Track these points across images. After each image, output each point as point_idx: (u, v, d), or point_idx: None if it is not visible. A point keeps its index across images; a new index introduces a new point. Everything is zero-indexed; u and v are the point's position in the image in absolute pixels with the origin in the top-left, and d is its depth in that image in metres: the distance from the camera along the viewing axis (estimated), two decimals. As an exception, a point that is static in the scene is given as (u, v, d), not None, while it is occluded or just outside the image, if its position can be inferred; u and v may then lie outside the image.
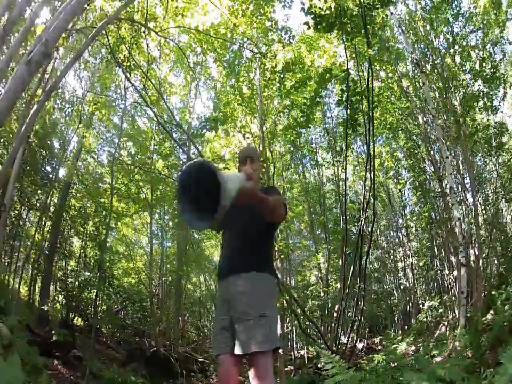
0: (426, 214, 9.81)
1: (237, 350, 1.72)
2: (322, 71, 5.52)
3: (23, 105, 6.16)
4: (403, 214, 13.14)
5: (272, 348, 1.71)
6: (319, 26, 4.72)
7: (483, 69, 7.16)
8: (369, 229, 7.14)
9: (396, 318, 13.20)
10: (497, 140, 7.76)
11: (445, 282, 9.97)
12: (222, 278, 1.94)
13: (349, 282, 5.93)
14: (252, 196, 1.56)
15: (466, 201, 8.28)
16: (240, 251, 1.92)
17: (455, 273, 7.61)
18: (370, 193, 5.38)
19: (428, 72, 7.78)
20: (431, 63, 7.93)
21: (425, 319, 9.31)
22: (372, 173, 5.20)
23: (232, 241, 2.00)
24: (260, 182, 2.26)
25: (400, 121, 9.52)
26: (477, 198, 8.21)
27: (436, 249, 10.80)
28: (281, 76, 6.22)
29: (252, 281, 1.82)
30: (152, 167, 8.84)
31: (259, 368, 1.68)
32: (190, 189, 1.15)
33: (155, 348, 7.75)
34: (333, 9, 4.61)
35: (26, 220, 9.26)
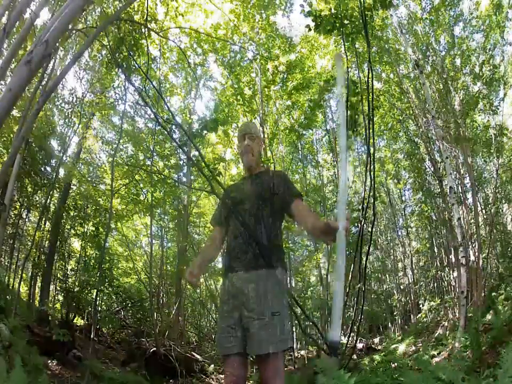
0: (426, 214, 9.82)
1: (249, 351, 1.62)
2: (326, 78, 5.52)
3: (23, 105, 6.15)
4: (403, 214, 13.14)
5: (285, 348, 1.60)
6: (319, 28, 4.71)
7: (483, 71, 7.17)
8: (369, 229, 7.13)
9: (396, 318, 13.20)
10: (497, 141, 7.75)
11: (445, 282, 9.97)
12: (230, 271, 1.77)
13: (349, 282, 5.92)
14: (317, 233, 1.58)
15: (466, 201, 8.28)
16: (253, 243, 1.73)
17: (455, 273, 7.62)
18: (371, 194, 5.37)
19: (428, 73, 7.78)
20: (430, 64, 7.93)
21: (425, 319, 9.32)
22: (372, 173, 5.18)
23: (242, 230, 1.78)
24: (260, 159, 2.08)
25: (400, 121, 9.52)
26: (476, 198, 8.21)
27: (435, 249, 10.81)
28: (282, 77, 6.25)
29: (265, 278, 1.68)
30: (153, 167, 8.80)
31: (269, 369, 1.58)
32: None
33: (155, 348, 7.74)
34: (333, 11, 4.61)
35: (26, 219, 9.26)
